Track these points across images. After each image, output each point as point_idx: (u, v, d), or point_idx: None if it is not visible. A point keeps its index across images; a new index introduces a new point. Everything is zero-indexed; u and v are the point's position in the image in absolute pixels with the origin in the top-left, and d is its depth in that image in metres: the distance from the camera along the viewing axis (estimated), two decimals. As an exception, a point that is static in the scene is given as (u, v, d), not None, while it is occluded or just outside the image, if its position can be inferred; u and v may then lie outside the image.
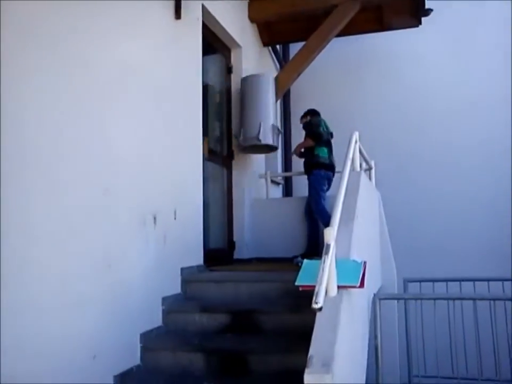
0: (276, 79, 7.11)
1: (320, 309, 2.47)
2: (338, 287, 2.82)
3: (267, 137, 6.35)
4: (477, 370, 5.37)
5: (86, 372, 3.27)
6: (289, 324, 3.96)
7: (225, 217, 6.49)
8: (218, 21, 5.93)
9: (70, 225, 3.22)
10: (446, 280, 6.58)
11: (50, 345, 3.00)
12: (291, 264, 5.48)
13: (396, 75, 9.13)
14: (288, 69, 7.30)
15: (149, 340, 4.02)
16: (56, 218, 3.11)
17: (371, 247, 5.07)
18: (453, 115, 8.74)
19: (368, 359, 3.80)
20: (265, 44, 7.89)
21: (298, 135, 7.21)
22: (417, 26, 7.56)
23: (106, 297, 3.55)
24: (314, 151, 6.21)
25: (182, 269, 4.69)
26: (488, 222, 8.29)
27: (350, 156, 4.19)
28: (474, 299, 5.11)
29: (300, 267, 3.08)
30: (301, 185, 7.16)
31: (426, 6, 7.20)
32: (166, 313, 4.32)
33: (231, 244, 6.49)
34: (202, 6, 5.44)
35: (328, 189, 6.20)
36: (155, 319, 4.21)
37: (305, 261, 3.16)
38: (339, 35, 7.18)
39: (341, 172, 3.81)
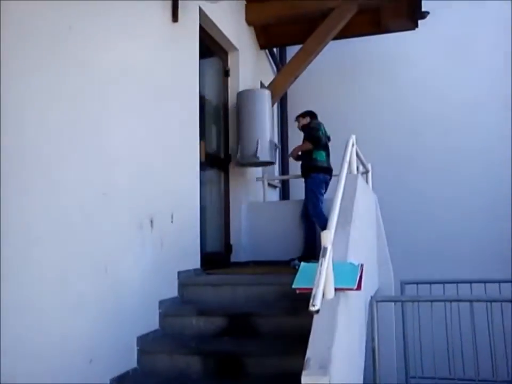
0: (273, 82, 7.14)
1: (317, 311, 2.48)
2: (336, 289, 2.83)
3: (265, 155, 6.37)
4: (473, 371, 5.39)
5: (82, 374, 3.27)
6: (286, 326, 3.96)
7: (222, 220, 6.49)
8: (216, 23, 5.94)
9: (67, 227, 3.23)
10: (443, 282, 6.61)
11: (48, 347, 3.01)
12: (288, 267, 5.48)
13: (393, 78, 9.15)
14: (285, 72, 7.32)
15: (145, 343, 4.03)
16: (54, 219, 3.12)
17: (368, 250, 5.09)
18: (450, 117, 8.76)
19: (365, 360, 3.81)
20: (262, 46, 7.89)
21: (296, 138, 7.22)
22: (413, 29, 7.57)
23: (103, 300, 3.56)
24: (313, 155, 6.24)
25: (179, 273, 4.69)
26: (486, 225, 8.29)
27: (347, 159, 4.21)
28: (471, 301, 5.14)
29: (297, 270, 3.10)
30: (298, 188, 7.16)
31: (423, 9, 7.21)
32: (163, 316, 4.33)
33: (228, 247, 6.50)
34: (200, 9, 5.45)
35: (325, 192, 6.22)
36: (152, 323, 4.21)
37: (302, 263, 3.18)
38: (336, 38, 7.20)
39: (338, 175, 3.83)
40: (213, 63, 6.55)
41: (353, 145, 4.57)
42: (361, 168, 5.92)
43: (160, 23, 4.64)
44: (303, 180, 6.47)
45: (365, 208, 5.10)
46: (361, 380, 3.49)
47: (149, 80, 4.34)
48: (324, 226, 3.07)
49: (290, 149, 7.31)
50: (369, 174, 6.43)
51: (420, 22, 7.46)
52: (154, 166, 4.34)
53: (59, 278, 3.13)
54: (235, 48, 6.74)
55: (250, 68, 7.33)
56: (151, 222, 4.22)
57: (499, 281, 6.54)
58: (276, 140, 8.16)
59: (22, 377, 2.78)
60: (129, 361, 3.88)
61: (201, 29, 5.60)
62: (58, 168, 3.18)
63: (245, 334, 4.12)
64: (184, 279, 4.74)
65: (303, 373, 2.25)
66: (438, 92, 8.85)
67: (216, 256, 6.09)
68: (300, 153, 6.53)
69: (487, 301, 5.37)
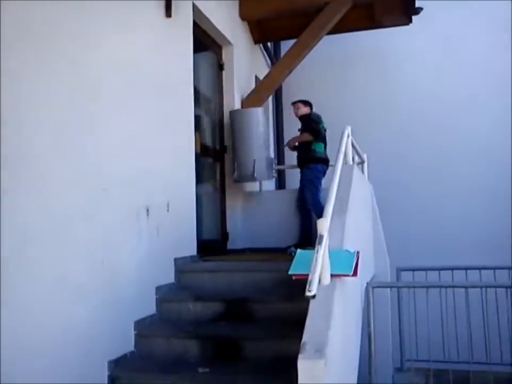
0: (267, 76, 7.18)
1: (314, 296, 2.53)
2: (332, 275, 2.87)
3: (262, 175, 6.41)
4: (467, 354, 5.48)
5: (81, 358, 3.34)
6: (282, 312, 3.99)
7: (218, 208, 6.56)
8: (209, 19, 5.96)
9: (65, 221, 3.29)
10: (439, 269, 6.67)
11: (45, 331, 3.06)
12: (284, 254, 5.54)
13: (384, 74, 9.11)
14: (279, 66, 7.31)
15: (143, 327, 4.08)
16: (52, 215, 3.18)
17: (364, 238, 5.16)
18: (441, 115, 8.77)
19: (361, 345, 3.89)
20: (256, 41, 7.90)
21: (291, 130, 7.28)
22: (407, 24, 7.56)
23: (101, 288, 3.62)
24: (312, 146, 6.32)
25: (175, 259, 4.74)
26: (482, 212, 8.31)
27: (343, 149, 4.26)
28: (466, 287, 5.22)
29: (293, 257, 3.14)
30: (294, 177, 7.21)
31: (417, 4, 7.23)
32: (160, 302, 4.37)
33: (224, 235, 6.57)
34: (193, 4, 5.48)
35: (322, 182, 6.31)
36: (149, 308, 4.26)
37: (298, 250, 3.22)
38: (330, 32, 7.18)
39: (334, 166, 3.89)
40: (207, 57, 6.58)
41: (348, 136, 4.64)
42: (356, 158, 5.99)
43: (153, 19, 4.67)
44: (298, 170, 6.54)
45: (361, 197, 5.18)
46: (357, 363, 3.56)
47: (143, 74, 4.37)
48: (321, 215, 3.11)
49: (286, 140, 7.37)
50: (365, 165, 6.50)
51: (413, 17, 7.46)
52: (150, 156, 4.38)
53: (57, 267, 3.19)
54: (229, 43, 6.76)
55: (245, 62, 7.36)
56: (147, 210, 4.27)
57: (494, 268, 6.61)
58: (271, 136, 8.19)
59: (22, 368, 2.85)
60: (127, 345, 3.94)
61: (195, 24, 5.63)
62: (52, 163, 3.22)
63: (241, 319, 4.16)
64: (181, 265, 4.78)
65: (299, 356, 2.28)
66: (432, 87, 8.80)
67: (212, 243, 6.14)
68: (296, 144, 6.60)
69: (481, 287, 5.46)
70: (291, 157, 7.23)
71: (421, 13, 7.30)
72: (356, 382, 3.39)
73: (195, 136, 5.40)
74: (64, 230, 3.28)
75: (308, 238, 6.02)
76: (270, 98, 8.69)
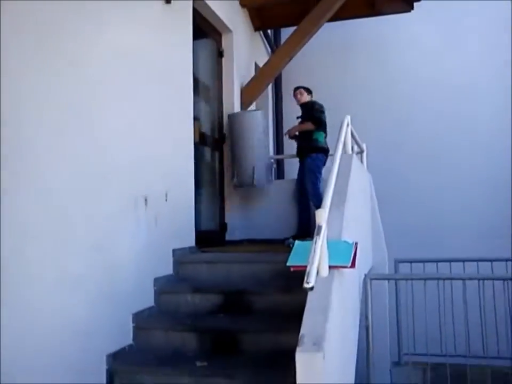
0: (267, 63, 7.11)
1: (312, 288, 2.51)
2: (330, 267, 2.85)
3: (261, 181, 6.37)
4: (465, 348, 5.47)
5: (79, 353, 3.32)
6: (281, 304, 3.98)
7: (217, 199, 6.53)
8: (209, 5, 5.89)
9: (65, 217, 3.26)
10: (436, 261, 6.66)
11: (45, 329, 3.04)
12: (282, 245, 5.53)
13: (385, 61, 9.04)
14: (279, 53, 7.26)
15: (141, 319, 4.06)
16: (52, 211, 3.15)
17: (362, 229, 5.14)
18: (442, 103, 8.71)
19: (359, 339, 3.87)
20: (256, 28, 7.83)
21: (290, 118, 7.23)
22: (409, 11, 7.50)
23: (99, 280, 3.59)
24: (313, 136, 6.26)
25: (173, 250, 4.71)
26: (482, 203, 8.27)
27: (342, 139, 4.23)
28: (463, 279, 5.20)
29: (291, 248, 3.12)
30: (293, 167, 7.17)
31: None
32: (158, 293, 4.35)
33: (223, 226, 6.54)
34: (193, -10, 5.43)
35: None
36: (147, 300, 4.24)
37: (296, 242, 3.20)
38: (331, 20, 7.09)
39: (333, 155, 3.86)
40: (207, 44, 6.52)
41: (348, 125, 4.60)
42: (356, 148, 5.96)
43: (153, 5, 4.59)
44: (297, 159, 6.51)
45: (360, 188, 5.15)
46: (354, 356, 3.55)
47: (143, 62, 4.31)
48: (320, 206, 3.10)
49: (285, 128, 7.33)
50: (364, 154, 6.46)
51: (414, 4, 7.40)
52: (148, 145, 4.34)
53: (55, 259, 3.16)
54: (229, 30, 6.70)
55: (245, 49, 7.30)
56: (146, 200, 4.23)
57: (491, 260, 6.58)
58: (270, 136, 8.14)
59: (22, 368, 2.83)
60: (125, 338, 3.91)
61: (195, 11, 5.56)
62: (53, 163, 3.19)
63: (240, 311, 4.14)
64: (179, 256, 4.76)
65: (297, 349, 2.27)
66: (434, 75, 8.73)
67: (211, 234, 6.12)
68: (297, 133, 6.56)
69: (479, 279, 5.45)
70: (290, 146, 7.17)
71: (422, 0, 7.23)
72: (354, 376, 3.37)
73: (194, 124, 5.34)
74: (64, 229, 3.25)
75: (306, 230, 5.98)
76: (270, 86, 8.63)
